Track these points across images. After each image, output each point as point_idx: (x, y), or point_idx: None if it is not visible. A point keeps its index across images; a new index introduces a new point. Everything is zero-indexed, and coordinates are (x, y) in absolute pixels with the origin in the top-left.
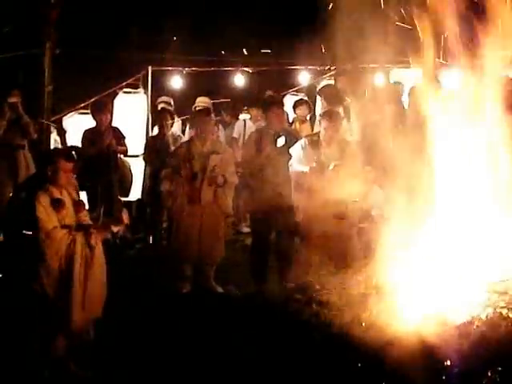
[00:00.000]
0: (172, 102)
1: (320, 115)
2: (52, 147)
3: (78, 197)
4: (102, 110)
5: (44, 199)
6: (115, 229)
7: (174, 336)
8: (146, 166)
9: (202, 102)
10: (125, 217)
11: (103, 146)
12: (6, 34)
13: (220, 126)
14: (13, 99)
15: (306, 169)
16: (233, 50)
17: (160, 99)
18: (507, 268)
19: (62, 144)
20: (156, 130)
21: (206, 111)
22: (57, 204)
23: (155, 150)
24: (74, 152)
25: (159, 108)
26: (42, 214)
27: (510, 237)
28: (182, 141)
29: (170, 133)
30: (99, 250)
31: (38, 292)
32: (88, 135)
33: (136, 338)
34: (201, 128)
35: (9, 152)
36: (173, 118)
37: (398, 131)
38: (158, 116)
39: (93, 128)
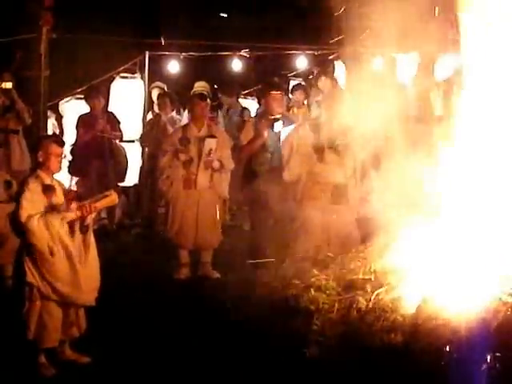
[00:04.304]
0: (166, 88)
1: (320, 98)
2: (50, 133)
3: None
4: (95, 95)
5: (33, 185)
6: (102, 203)
7: (170, 322)
8: (143, 151)
9: (200, 86)
10: (114, 195)
11: (97, 131)
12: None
13: (219, 112)
14: (7, 85)
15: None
16: (230, 35)
17: (154, 84)
18: (507, 253)
19: (59, 129)
20: (150, 115)
21: (202, 96)
22: (48, 190)
23: (153, 133)
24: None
25: (157, 92)
26: (26, 201)
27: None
28: (178, 124)
29: (170, 116)
30: (91, 235)
31: (26, 278)
32: (83, 120)
33: (133, 325)
34: (197, 113)
35: (2, 137)
36: (173, 102)
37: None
38: (158, 100)
39: (88, 113)
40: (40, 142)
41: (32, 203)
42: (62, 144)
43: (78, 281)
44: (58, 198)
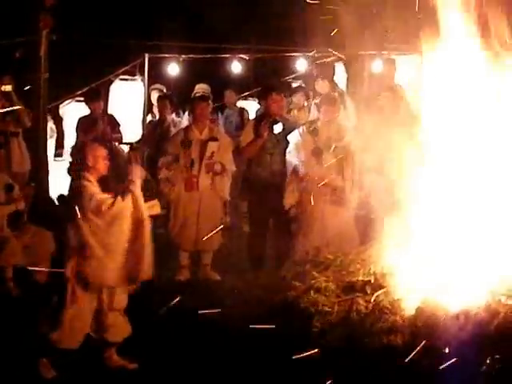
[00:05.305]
0: (165, 90)
1: (318, 101)
2: (48, 136)
3: None
4: (94, 97)
5: (93, 188)
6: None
7: (170, 324)
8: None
9: (201, 88)
10: (158, 205)
11: (97, 134)
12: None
13: (219, 114)
14: (7, 88)
15: (302, 157)
16: (230, 37)
17: (153, 86)
18: (508, 254)
19: (58, 132)
20: (150, 117)
21: (203, 98)
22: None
23: (155, 135)
24: None
25: (156, 95)
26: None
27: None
28: (180, 126)
29: (171, 118)
30: None
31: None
32: (83, 122)
33: (132, 327)
34: (198, 114)
35: (2, 139)
36: (173, 104)
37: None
38: (158, 102)
39: (87, 115)
40: (86, 147)
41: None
42: (106, 145)
43: None
44: None
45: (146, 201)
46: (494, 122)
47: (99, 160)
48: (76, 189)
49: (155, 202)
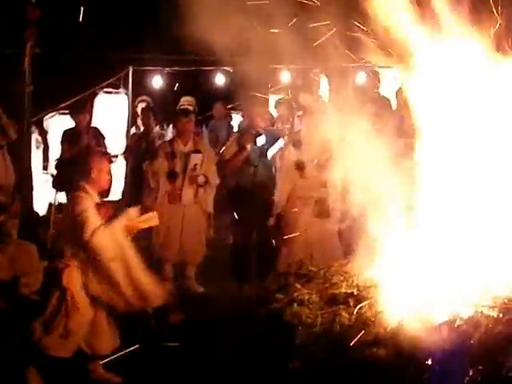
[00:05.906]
0: (151, 102)
1: (301, 113)
2: (35, 147)
3: None
4: (80, 110)
5: (87, 202)
6: (145, 223)
7: (154, 337)
8: (127, 164)
9: (186, 101)
10: (156, 218)
11: (82, 147)
12: None
13: (204, 127)
14: None
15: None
16: (213, 50)
17: (139, 98)
18: (491, 266)
19: (43, 144)
20: (133, 130)
21: (186, 113)
22: (99, 207)
23: (139, 147)
24: None
25: (141, 107)
26: (88, 218)
27: (495, 234)
28: (165, 139)
29: (155, 130)
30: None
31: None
32: (67, 136)
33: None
34: (182, 129)
35: None
36: (156, 117)
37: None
38: (142, 114)
39: (72, 128)
40: (92, 159)
41: (94, 217)
42: (111, 160)
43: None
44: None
45: (142, 213)
46: (484, 129)
47: (103, 174)
48: (72, 199)
49: (153, 214)
